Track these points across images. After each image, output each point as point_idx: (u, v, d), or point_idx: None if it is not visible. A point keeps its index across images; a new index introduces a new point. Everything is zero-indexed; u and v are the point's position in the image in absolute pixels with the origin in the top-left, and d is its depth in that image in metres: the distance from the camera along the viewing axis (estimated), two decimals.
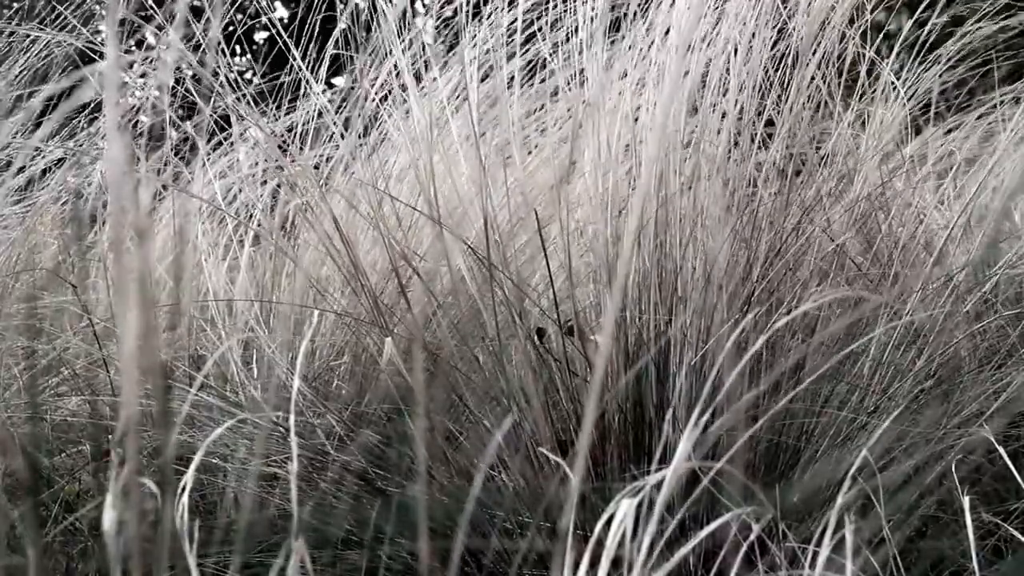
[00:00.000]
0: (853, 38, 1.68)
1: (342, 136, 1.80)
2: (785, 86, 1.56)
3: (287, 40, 1.77)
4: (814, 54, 1.57)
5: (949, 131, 2.24)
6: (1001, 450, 1.34)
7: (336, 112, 1.82)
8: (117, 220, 0.57)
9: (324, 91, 1.97)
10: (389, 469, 1.52)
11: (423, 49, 1.79)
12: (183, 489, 0.91)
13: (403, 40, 1.69)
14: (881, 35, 1.88)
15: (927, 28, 1.89)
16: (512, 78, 1.74)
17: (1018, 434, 1.72)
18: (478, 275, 1.50)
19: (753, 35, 1.55)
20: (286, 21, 1.94)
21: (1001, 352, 1.70)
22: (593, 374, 1.42)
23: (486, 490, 1.49)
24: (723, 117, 1.54)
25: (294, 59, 1.76)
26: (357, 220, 1.74)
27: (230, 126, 2.05)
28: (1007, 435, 1.68)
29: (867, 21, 1.71)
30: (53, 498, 1.65)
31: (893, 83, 1.89)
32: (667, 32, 1.58)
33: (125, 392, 0.57)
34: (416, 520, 1.42)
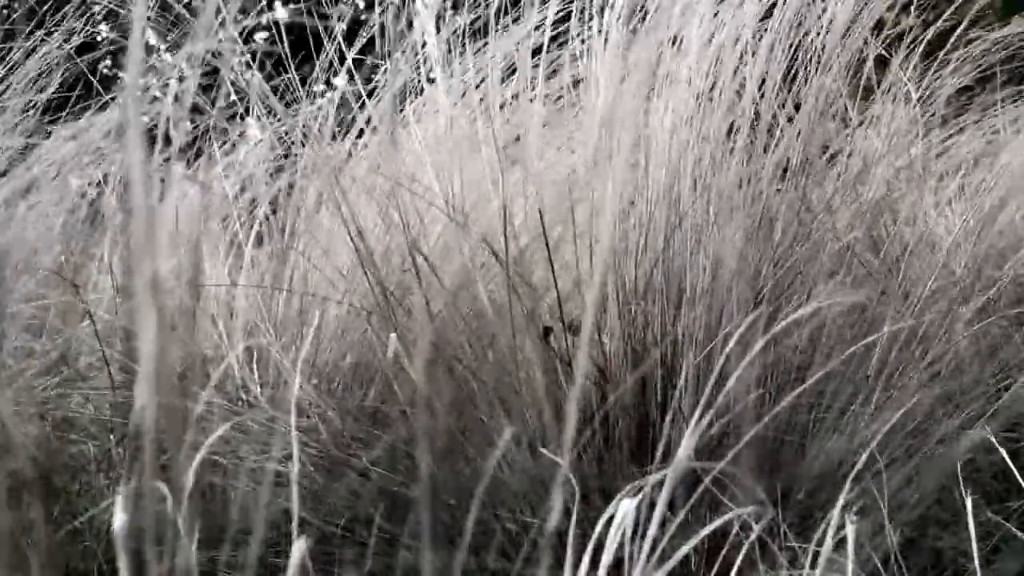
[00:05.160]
0: (871, 43, 1.68)
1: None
2: (798, 88, 1.56)
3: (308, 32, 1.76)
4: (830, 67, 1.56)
5: (950, 135, 2.24)
6: (1002, 450, 1.34)
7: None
8: (136, 223, 0.58)
9: (325, 92, 1.97)
10: (393, 468, 1.52)
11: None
12: (184, 487, 0.91)
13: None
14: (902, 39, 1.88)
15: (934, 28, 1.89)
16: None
17: (1017, 436, 1.72)
18: (489, 274, 1.50)
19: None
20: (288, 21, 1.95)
21: (1003, 351, 1.70)
22: (573, 380, 1.41)
23: (489, 491, 1.49)
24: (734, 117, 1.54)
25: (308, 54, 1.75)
26: (369, 214, 1.74)
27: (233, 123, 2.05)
28: (1008, 435, 1.69)
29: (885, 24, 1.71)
30: (54, 497, 1.64)
31: (906, 87, 1.89)
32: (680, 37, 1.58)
33: (143, 397, 0.57)
34: (420, 520, 1.42)
